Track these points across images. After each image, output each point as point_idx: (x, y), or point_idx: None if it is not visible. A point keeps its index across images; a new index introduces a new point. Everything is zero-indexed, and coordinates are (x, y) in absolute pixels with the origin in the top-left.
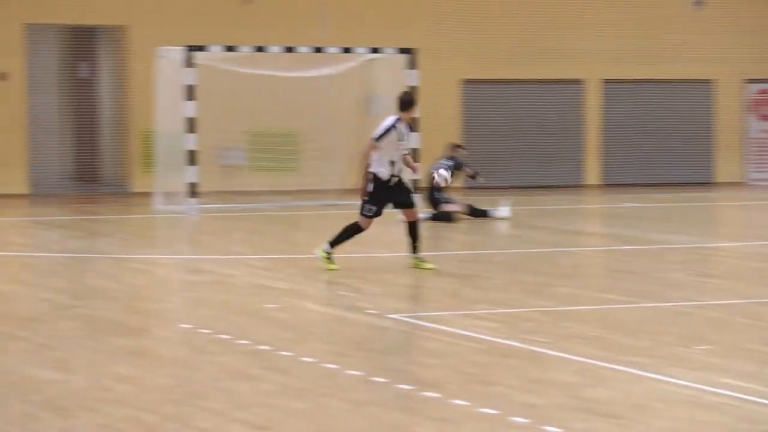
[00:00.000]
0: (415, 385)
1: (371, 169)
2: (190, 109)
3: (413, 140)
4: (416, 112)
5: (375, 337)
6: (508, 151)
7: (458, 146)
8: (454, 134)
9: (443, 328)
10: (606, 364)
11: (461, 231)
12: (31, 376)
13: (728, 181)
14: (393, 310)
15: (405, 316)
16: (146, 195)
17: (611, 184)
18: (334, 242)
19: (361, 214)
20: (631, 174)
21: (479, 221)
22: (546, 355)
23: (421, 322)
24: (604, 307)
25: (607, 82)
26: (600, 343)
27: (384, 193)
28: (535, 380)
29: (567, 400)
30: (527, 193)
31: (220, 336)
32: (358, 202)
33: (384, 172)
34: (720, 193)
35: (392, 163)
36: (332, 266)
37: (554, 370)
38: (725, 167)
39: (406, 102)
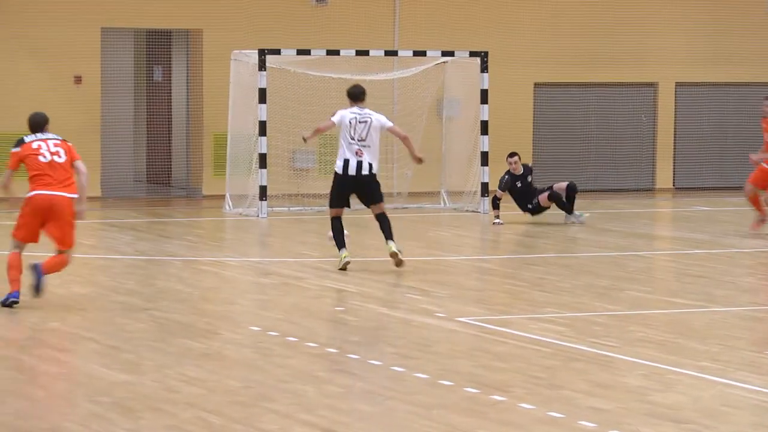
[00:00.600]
0: (481, 389)
1: (375, 161)
2: (262, 112)
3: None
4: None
5: (442, 340)
6: (579, 154)
7: (512, 154)
8: (525, 138)
9: (511, 331)
10: (674, 369)
11: (530, 234)
12: (100, 376)
13: None
14: (461, 314)
15: (472, 320)
16: (217, 198)
17: (683, 188)
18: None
19: (382, 201)
20: (704, 177)
21: (553, 225)
22: (614, 359)
23: (488, 326)
24: (673, 311)
25: (680, 85)
26: (668, 348)
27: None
28: (603, 384)
29: (635, 405)
30: (598, 196)
31: (288, 338)
32: (427, 205)
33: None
34: None
35: None
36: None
37: (622, 375)
38: None
39: (364, 93)
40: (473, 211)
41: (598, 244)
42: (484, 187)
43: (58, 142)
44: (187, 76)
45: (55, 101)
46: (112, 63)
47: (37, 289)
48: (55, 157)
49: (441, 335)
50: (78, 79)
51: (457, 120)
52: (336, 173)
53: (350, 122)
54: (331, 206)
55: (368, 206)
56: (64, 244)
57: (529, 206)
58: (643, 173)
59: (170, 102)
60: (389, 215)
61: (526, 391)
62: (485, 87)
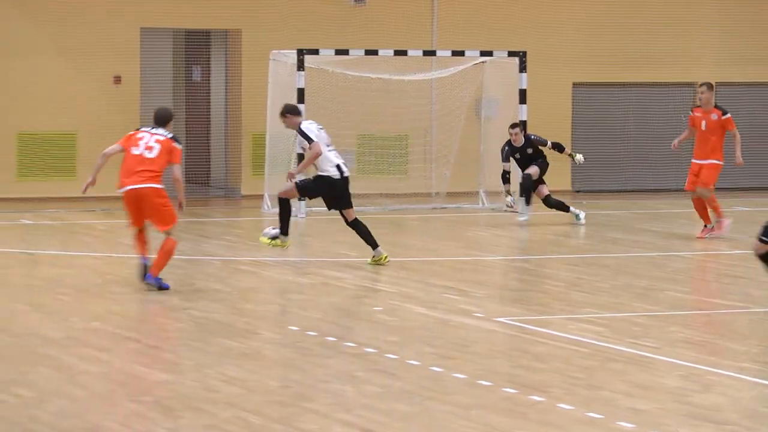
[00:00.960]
0: (520, 389)
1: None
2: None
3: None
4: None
5: (480, 340)
6: (618, 154)
7: (513, 125)
8: (564, 138)
9: (549, 331)
10: (714, 370)
11: (568, 234)
12: (140, 376)
13: None
14: (499, 314)
15: (511, 320)
16: (256, 198)
17: (723, 188)
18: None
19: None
20: (744, 177)
21: (591, 226)
22: (653, 360)
23: (526, 326)
24: (711, 312)
25: (719, 85)
26: (708, 349)
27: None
28: (642, 385)
29: (674, 406)
30: (637, 196)
31: (326, 338)
32: (465, 205)
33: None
34: None
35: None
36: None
37: (661, 375)
38: None
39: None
40: (512, 211)
41: (636, 245)
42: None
43: (162, 139)
44: (226, 76)
45: (95, 101)
46: (151, 63)
47: (160, 288)
48: (146, 152)
49: (479, 335)
50: (117, 79)
51: (495, 120)
52: (333, 179)
53: (319, 131)
54: (299, 192)
55: (344, 209)
56: (163, 224)
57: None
58: (682, 173)
59: (209, 102)
60: (428, 215)
61: (565, 391)
62: (524, 87)
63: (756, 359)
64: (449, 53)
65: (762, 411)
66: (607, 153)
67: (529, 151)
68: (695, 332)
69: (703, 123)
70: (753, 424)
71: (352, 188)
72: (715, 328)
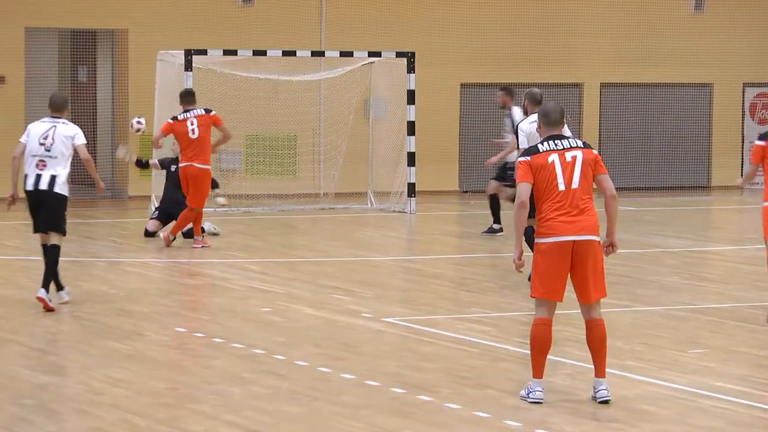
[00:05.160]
0: (408, 389)
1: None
2: None
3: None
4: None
5: (368, 340)
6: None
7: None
8: (451, 138)
9: (437, 331)
10: None
11: (457, 235)
12: (24, 379)
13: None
14: (387, 314)
15: (399, 320)
16: (143, 199)
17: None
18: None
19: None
20: (628, 178)
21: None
22: None
23: (414, 326)
24: None
25: (605, 86)
26: None
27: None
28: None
29: (560, 404)
30: None
31: (213, 339)
32: (354, 206)
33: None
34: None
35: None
36: None
37: (547, 374)
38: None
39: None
40: (400, 212)
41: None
42: (411, 187)
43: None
44: (113, 77)
45: None
46: (36, 63)
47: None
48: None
49: (367, 336)
50: (1, 80)
51: (383, 120)
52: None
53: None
54: None
55: None
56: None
57: None
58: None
59: (95, 102)
60: (316, 216)
61: (453, 391)
62: (412, 87)
63: (640, 357)
64: (338, 54)
65: (645, 409)
66: (495, 154)
67: None
68: (581, 331)
69: None
70: (637, 421)
71: (238, 189)
72: None
